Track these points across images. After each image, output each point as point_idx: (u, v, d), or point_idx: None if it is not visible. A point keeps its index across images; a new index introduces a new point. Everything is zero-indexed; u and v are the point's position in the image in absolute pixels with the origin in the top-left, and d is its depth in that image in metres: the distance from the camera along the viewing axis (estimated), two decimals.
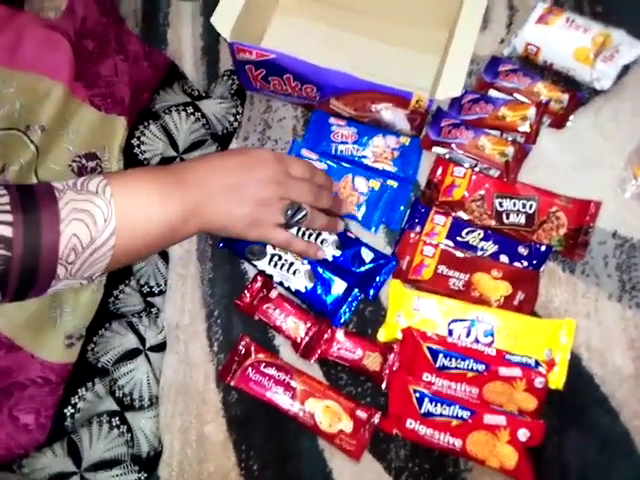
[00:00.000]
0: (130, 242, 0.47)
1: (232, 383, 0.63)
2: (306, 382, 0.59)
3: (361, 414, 0.59)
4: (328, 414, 0.58)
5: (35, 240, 0.41)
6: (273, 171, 0.56)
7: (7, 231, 0.40)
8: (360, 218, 0.68)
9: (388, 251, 0.67)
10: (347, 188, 0.68)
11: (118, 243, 0.45)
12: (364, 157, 0.70)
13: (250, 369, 0.58)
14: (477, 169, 0.68)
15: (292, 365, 0.60)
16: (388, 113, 0.68)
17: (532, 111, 0.68)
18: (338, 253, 0.66)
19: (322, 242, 0.66)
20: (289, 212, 0.57)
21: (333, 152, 0.71)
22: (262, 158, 0.57)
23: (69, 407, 0.63)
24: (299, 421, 0.59)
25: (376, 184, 0.68)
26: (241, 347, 0.64)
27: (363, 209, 0.68)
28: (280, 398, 0.58)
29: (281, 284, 0.66)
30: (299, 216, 0.58)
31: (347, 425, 0.58)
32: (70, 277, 0.44)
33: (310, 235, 0.66)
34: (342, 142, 0.71)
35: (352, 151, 0.71)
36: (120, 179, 0.48)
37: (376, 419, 0.60)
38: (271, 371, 0.59)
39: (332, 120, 0.72)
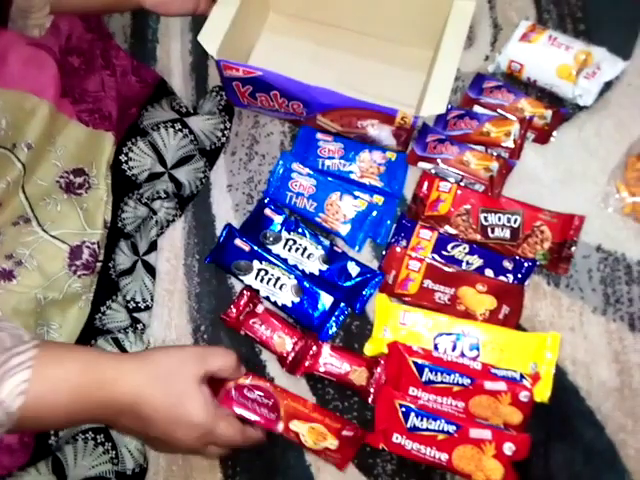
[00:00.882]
0: (25, 427, 0.46)
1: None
2: (290, 405, 0.58)
3: (347, 433, 0.58)
4: (313, 434, 0.58)
5: None
6: (185, 449, 0.53)
7: None
8: (345, 236, 0.69)
9: (374, 265, 0.68)
10: (334, 205, 0.69)
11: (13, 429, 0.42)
12: (351, 172, 0.71)
13: (233, 391, 0.57)
14: (462, 184, 0.69)
15: (276, 385, 0.59)
16: (374, 129, 0.69)
17: (516, 127, 0.69)
18: (325, 267, 0.66)
19: (309, 256, 0.66)
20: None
21: (320, 167, 0.72)
22: (183, 436, 0.49)
23: None
24: (284, 438, 0.58)
25: (363, 203, 0.68)
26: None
27: (348, 227, 0.69)
28: (265, 419, 0.58)
29: (268, 299, 0.67)
30: None
31: (332, 443, 0.58)
32: None
33: (297, 249, 0.67)
34: (329, 157, 0.72)
35: (339, 166, 0.71)
36: (37, 383, 0.42)
37: (360, 432, 0.59)
38: (254, 395, 0.58)
39: (319, 135, 0.73)
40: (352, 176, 0.71)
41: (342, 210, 0.68)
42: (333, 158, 0.72)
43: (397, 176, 0.71)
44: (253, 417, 0.56)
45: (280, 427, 0.57)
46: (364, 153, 0.71)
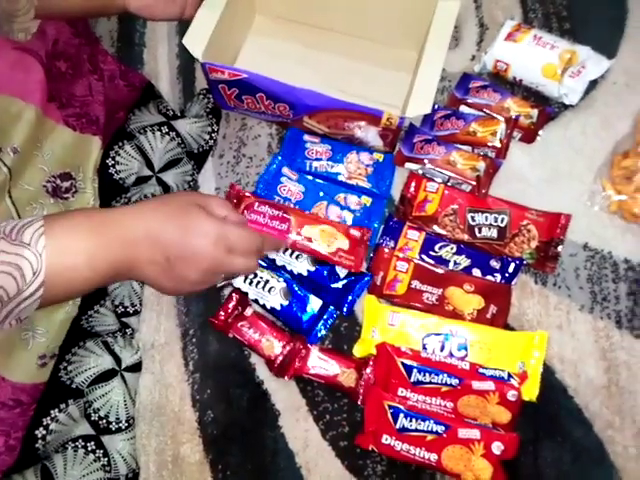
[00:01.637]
0: (53, 292, 0.45)
1: None
2: (299, 214, 0.65)
3: (355, 232, 0.64)
4: (325, 236, 0.63)
5: None
6: (210, 261, 0.52)
7: None
8: None
9: (363, 266, 0.68)
10: (320, 214, 0.69)
11: (44, 292, 0.44)
12: (338, 174, 0.71)
13: (246, 212, 0.65)
14: (449, 184, 0.69)
15: (284, 203, 0.66)
16: (361, 131, 0.69)
17: (502, 127, 0.69)
18: (313, 268, 0.66)
19: (297, 257, 0.66)
20: (224, 281, 0.62)
21: (307, 169, 0.72)
22: (201, 244, 0.51)
23: (40, 428, 0.61)
24: (298, 247, 0.64)
25: (349, 215, 0.69)
26: (233, 194, 0.68)
27: None
28: (277, 231, 0.64)
29: (257, 302, 0.67)
30: (233, 280, 0.64)
31: (344, 243, 0.63)
32: None
33: (285, 251, 0.67)
34: (316, 159, 0.72)
35: (326, 167, 0.71)
36: (54, 231, 0.45)
37: (368, 236, 0.65)
38: (265, 209, 0.65)
39: (306, 137, 0.73)
40: (340, 177, 0.71)
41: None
42: (320, 160, 0.72)
43: (384, 177, 0.71)
44: (266, 229, 0.63)
45: (293, 234, 0.63)
46: (351, 154, 0.71)
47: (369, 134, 0.69)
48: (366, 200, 0.70)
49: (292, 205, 0.69)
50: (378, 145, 0.71)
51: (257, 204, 0.67)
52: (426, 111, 0.62)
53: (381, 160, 0.71)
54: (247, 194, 0.68)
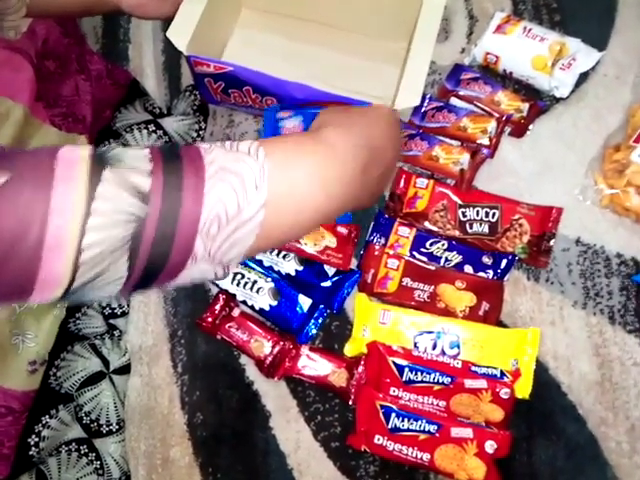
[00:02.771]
0: (278, 221, 0.39)
1: None
2: None
3: (342, 230, 0.64)
4: (311, 235, 0.63)
5: (175, 196, 0.33)
6: (397, 134, 0.55)
7: (145, 182, 0.33)
8: None
9: (353, 264, 0.67)
10: None
11: (266, 220, 0.37)
12: None
13: None
14: (435, 177, 0.68)
15: None
16: None
17: (493, 125, 0.68)
18: (301, 268, 0.65)
19: (284, 257, 0.65)
20: None
21: None
22: (389, 126, 0.53)
23: (33, 436, 0.61)
24: (285, 247, 0.64)
25: None
26: None
27: None
28: None
29: (245, 303, 0.66)
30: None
31: (331, 241, 0.63)
32: (207, 260, 0.36)
33: (272, 251, 0.66)
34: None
35: None
36: (275, 147, 0.40)
37: (356, 233, 0.65)
38: None
39: (280, 114, 0.71)
40: None
41: None
42: None
43: None
44: None
45: None
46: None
47: None
48: None
49: None
50: None
51: None
52: (415, 103, 0.61)
53: None
54: None
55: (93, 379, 0.63)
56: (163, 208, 0.33)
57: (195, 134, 0.74)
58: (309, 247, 0.64)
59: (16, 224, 0.30)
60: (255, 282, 0.65)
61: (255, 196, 0.36)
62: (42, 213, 0.30)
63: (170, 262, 0.35)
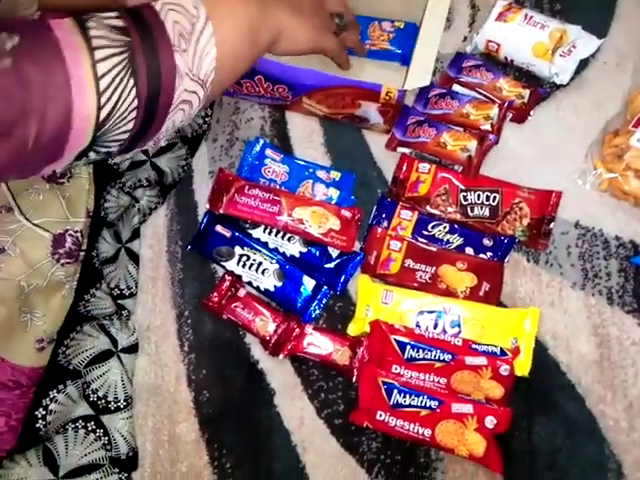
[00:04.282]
0: (223, 39, 0.45)
1: (221, 211, 0.67)
2: (289, 196, 0.66)
3: (346, 213, 0.65)
4: (316, 217, 0.64)
5: (145, 26, 0.40)
6: None
7: (119, 22, 0.40)
8: None
9: (357, 246, 0.68)
10: (306, 194, 0.69)
11: (216, 38, 0.44)
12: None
13: (236, 194, 0.65)
14: (442, 163, 0.70)
15: (274, 186, 0.67)
16: (361, 108, 0.69)
17: (495, 111, 0.69)
18: (305, 249, 0.66)
19: (289, 239, 0.67)
20: (336, 18, 0.64)
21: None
22: None
23: (40, 409, 0.62)
24: (290, 229, 0.65)
25: (335, 192, 0.69)
26: (222, 177, 0.68)
27: None
28: (268, 214, 0.65)
29: (250, 284, 0.67)
30: (344, 22, 0.65)
31: (335, 223, 0.64)
32: (189, 75, 0.42)
33: (278, 233, 0.67)
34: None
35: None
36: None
37: (359, 216, 0.66)
38: (256, 192, 0.66)
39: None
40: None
41: (314, 198, 0.69)
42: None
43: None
44: (257, 212, 0.64)
45: (284, 217, 0.64)
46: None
47: (369, 111, 0.69)
48: (335, 174, 0.71)
49: (278, 186, 0.70)
50: (379, 122, 0.71)
51: (247, 187, 0.67)
52: (425, 83, 0.62)
53: (402, 27, 0.72)
54: (238, 179, 0.68)
55: (101, 357, 0.64)
56: (141, 36, 0.40)
57: (201, 120, 0.76)
58: (313, 229, 0.65)
59: (41, 72, 0.35)
60: (260, 264, 0.66)
61: (198, 12, 0.43)
62: (60, 57, 0.36)
63: (163, 80, 0.41)
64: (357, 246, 0.68)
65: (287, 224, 0.66)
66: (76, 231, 0.68)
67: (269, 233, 0.67)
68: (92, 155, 0.41)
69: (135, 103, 0.39)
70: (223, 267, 0.68)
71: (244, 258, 0.67)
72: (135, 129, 0.41)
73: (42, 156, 0.38)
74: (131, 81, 0.39)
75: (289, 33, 0.54)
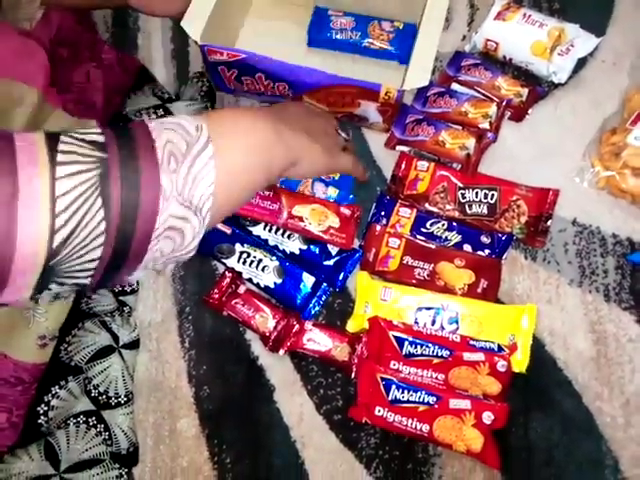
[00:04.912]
0: (227, 164, 0.41)
1: None
2: (289, 194, 0.67)
3: (345, 211, 0.66)
4: (316, 215, 0.65)
5: (129, 142, 0.36)
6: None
7: (99, 137, 0.36)
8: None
9: (356, 244, 0.69)
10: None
11: (216, 162, 0.40)
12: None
13: None
14: (440, 161, 0.70)
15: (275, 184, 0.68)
16: (360, 108, 0.69)
17: (493, 109, 0.70)
18: (305, 247, 0.67)
19: (289, 237, 0.67)
20: (342, 133, 0.67)
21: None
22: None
23: (42, 405, 0.63)
24: (290, 227, 0.66)
25: (333, 191, 0.70)
26: None
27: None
28: (268, 212, 0.66)
29: (250, 281, 0.68)
30: (350, 135, 0.68)
31: (334, 221, 0.65)
32: (177, 198, 0.37)
33: (277, 230, 0.68)
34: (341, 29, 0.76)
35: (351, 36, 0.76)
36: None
37: (358, 214, 0.67)
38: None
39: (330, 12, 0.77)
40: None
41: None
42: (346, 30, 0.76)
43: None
44: (257, 210, 0.65)
45: (284, 214, 0.64)
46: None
47: (369, 110, 0.69)
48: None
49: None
50: (378, 121, 0.71)
51: None
52: (424, 83, 0.62)
53: (401, 27, 0.74)
54: None
55: (103, 353, 0.65)
56: (120, 152, 0.35)
57: None
58: (313, 227, 0.66)
59: None
60: (260, 261, 0.67)
61: (199, 133, 0.40)
62: (12, 171, 0.31)
63: (143, 202, 0.35)
64: (356, 243, 0.69)
65: (287, 222, 0.66)
66: None
67: (269, 230, 0.67)
68: (55, 287, 0.35)
69: (102, 227, 0.34)
70: (224, 264, 0.68)
71: (244, 255, 0.67)
72: (105, 258, 0.35)
73: None
74: (98, 202, 0.34)
75: (307, 160, 0.54)
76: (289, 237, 0.67)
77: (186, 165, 0.38)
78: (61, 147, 0.34)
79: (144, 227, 0.36)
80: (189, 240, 0.40)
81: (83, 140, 0.35)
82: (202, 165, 0.39)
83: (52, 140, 0.34)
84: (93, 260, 0.35)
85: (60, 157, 0.33)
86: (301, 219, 0.66)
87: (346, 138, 0.67)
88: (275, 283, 0.67)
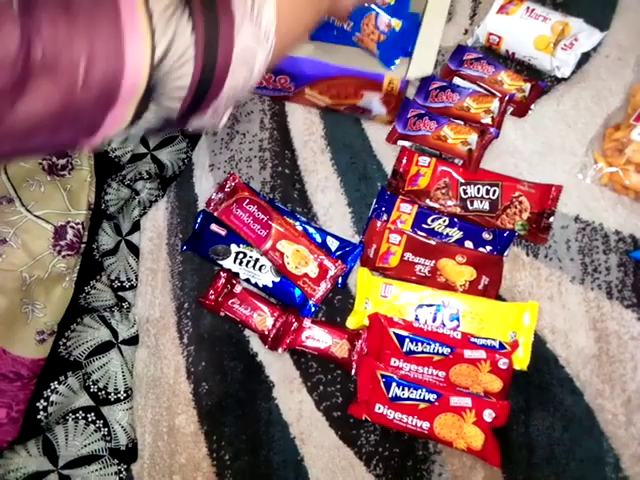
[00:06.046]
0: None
1: (215, 214, 0.67)
2: (283, 225, 0.65)
3: (327, 263, 0.63)
4: (297, 257, 0.62)
5: None
6: None
7: None
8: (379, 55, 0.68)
9: (356, 240, 0.68)
10: (369, 25, 0.66)
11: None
12: None
13: (234, 204, 0.65)
14: (442, 157, 0.69)
15: (273, 209, 0.66)
16: (363, 99, 0.68)
17: (496, 104, 0.69)
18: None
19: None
20: None
21: None
22: None
23: (42, 400, 0.63)
24: (268, 258, 0.64)
25: (397, 24, 0.65)
26: (230, 183, 0.69)
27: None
28: (255, 235, 0.64)
29: (248, 281, 0.67)
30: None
31: (313, 270, 0.62)
32: (248, 18, 0.38)
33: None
34: None
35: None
36: None
37: (340, 270, 0.64)
38: (252, 209, 0.65)
39: None
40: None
41: (377, 29, 0.67)
42: None
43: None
44: (245, 229, 0.64)
45: (268, 244, 0.63)
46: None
47: (372, 101, 0.68)
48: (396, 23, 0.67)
49: None
50: (381, 113, 0.71)
51: (247, 201, 0.67)
52: (428, 72, 0.61)
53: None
54: (244, 189, 0.68)
55: (102, 348, 0.65)
56: None
57: None
58: (290, 267, 0.64)
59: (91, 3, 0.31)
60: (257, 260, 0.66)
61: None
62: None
63: (221, 25, 0.36)
64: (356, 239, 0.69)
65: (268, 251, 0.65)
66: (77, 223, 0.68)
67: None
68: (150, 115, 0.37)
69: (191, 52, 0.35)
70: (220, 266, 0.68)
71: (241, 255, 0.67)
72: (194, 84, 0.37)
73: (96, 100, 0.33)
74: (189, 26, 0.35)
75: None
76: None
77: None
78: None
79: (225, 49, 0.37)
80: (256, 73, 0.41)
81: None
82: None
83: None
84: (182, 88, 0.36)
85: None
86: (282, 255, 0.65)
87: None
88: (273, 282, 0.66)
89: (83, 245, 0.69)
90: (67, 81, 0.31)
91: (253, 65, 0.40)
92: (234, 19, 0.37)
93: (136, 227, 0.71)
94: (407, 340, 0.61)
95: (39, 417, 0.63)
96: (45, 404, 0.63)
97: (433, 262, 0.65)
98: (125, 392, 0.64)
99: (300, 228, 0.67)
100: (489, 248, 0.65)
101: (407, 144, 0.71)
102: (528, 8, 0.71)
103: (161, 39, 0.34)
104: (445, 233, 0.66)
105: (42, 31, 0.30)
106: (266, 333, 0.64)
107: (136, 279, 0.69)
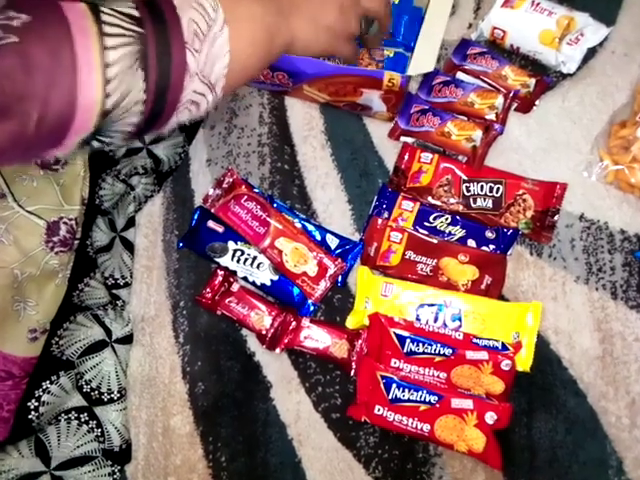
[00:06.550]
0: (237, 45, 0.44)
1: (212, 210, 0.66)
2: (281, 222, 0.63)
3: (327, 262, 0.62)
4: (296, 255, 0.61)
5: (160, 19, 0.38)
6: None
7: (135, 12, 0.38)
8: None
9: (356, 238, 0.67)
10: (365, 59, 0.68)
11: (231, 44, 0.43)
12: None
13: (232, 201, 0.63)
14: (446, 154, 0.68)
15: (271, 206, 0.64)
16: (363, 96, 0.67)
17: (500, 100, 0.68)
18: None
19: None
20: (364, 23, 0.60)
21: None
22: None
23: (33, 400, 0.61)
24: (266, 256, 0.62)
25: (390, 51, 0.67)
26: (228, 179, 0.67)
27: None
28: (253, 232, 0.63)
29: (246, 279, 0.65)
30: (372, 30, 0.62)
31: (312, 269, 0.61)
32: (198, 76, 0.40)
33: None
34: None
35: None
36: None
37: (340, 269, 0.63)
38: (250, 205, 0.64)
39: None
40: None
41: (374, 60, 0.69)
42: None
43: None
44: (243, 226, 0.62)
45: (266, 242, 0.61)
46: None
47: (372, 99, 0.67)
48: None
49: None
50: (382, 110, 0.69)
51: (245, 197, 0.65)
52: (429, 69, 0.60)
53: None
54: (242, 185, 0.67)
55: (95, 347, 0.63)
56: (155, 29, 0.38)
57: None
58: (289, 265, 0.63)
59: (48, 53, 0.33)
60: (255, 258, 0.65)
61: (216, 15, 0.42)
62: (69, 40, 0.34)
63: (173, 77, 0.39)
64: (357, 237, 0.67)
65: (266, 249, 0.64)
66: (70, 219, 0.67)
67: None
68: (95, 144, 0.40)
69: (143, 96, 0.38)
70: (217, 264, 0.66)
71: (238, 253, 0.65)
72: (140, 124, 0.40)
73: (45, 140, 0.36)
74: (141, 73, 0.37)
75: (301, 43, 0.53)
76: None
77: (207, 45, 0.41)
78: (105, 18, 0.36)
79: (173, 98, 0.40)
80: (201, 112, 0.44)
81: (122, 13, 0.37)
82: (219, 47, 0.42)
83: (95, 11, 0.36)
84: (131, 124, 0.39)
85: (106, 28, 0.35)
86: (280, 253, 0.63)
87: (362, 30, 0.60)
88: (272, 280, 0.65)
89: (76, 241, 0.68)
90: (19, 126, 0.33)
91: (199, 106, 0.43)
92: (188, 69, 0.40)
93: (131, 223, 0.70)
94: (408, 340, 0.60)
95: (30, 417, 0.61)
96: (37, 404, 0.62)
97: (435, 261, 0.63)
98: (119, 392, 0.63)
99: (299, 225, 0.65)
100: (492, 247, 0.64)
101: (410, 140, 0.70)
102: (533, 2, 0.70)
103: (114, 89, 0.36)
104: (447, 231, 0.64)
105: None
106: (264, 332, 0.63)
107: (131, 276, 0.68)
